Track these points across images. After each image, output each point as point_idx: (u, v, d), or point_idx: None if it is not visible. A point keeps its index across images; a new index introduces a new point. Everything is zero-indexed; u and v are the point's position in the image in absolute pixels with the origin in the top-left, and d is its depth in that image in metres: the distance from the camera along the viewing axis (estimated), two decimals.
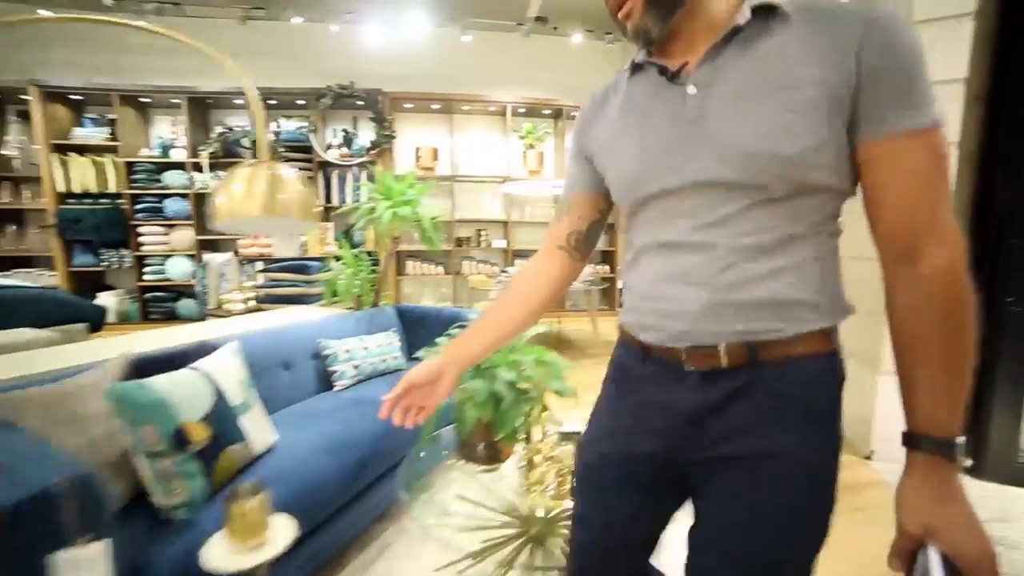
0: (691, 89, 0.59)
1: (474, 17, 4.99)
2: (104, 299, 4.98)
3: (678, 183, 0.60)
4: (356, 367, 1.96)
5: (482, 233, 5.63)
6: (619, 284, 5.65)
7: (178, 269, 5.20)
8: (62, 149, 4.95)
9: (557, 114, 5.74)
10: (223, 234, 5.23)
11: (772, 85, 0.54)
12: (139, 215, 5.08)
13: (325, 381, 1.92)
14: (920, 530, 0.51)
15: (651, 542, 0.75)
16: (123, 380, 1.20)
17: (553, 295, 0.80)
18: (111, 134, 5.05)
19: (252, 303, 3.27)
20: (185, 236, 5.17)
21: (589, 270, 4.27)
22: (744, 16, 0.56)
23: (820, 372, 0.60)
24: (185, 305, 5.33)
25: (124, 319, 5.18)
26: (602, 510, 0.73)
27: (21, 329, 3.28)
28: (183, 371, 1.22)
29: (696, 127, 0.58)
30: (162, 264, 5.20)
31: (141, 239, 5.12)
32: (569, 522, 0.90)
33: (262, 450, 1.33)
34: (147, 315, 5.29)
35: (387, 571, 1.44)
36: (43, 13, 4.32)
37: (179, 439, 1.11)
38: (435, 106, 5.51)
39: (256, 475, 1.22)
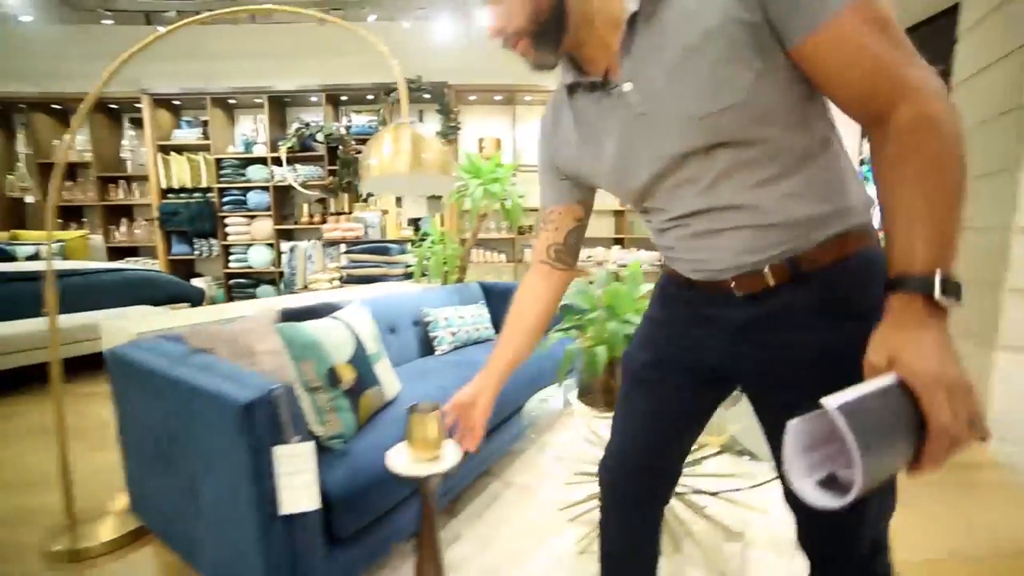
0: (627, 86, 0.61)
1: None
2: (195, 284, 5.46)
3: (660, 167, 0.63)
4: (454, 334, 2.06)
5: None
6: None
7: (258, 257, 5.60)
8: (164, 150, 5.47)
9: None
10: (297, 223, 5.60)
11: (690, 49, 0.55)
12: (225, 207, 5.52)
13: (426, 346, 2.04)
14: (884, 361, 0.48)
15: (689, 437, 0.82)
16: (276, 323, 1.34)
17: (548, 308, 0.87)
18: (203, 134, 5.52)
19: (337, 284, 3.48)
20: (265, 226, 5.56)
21: (653, 254, 4.21)
22: (632, 6, 0.57)
23: (860, 269, 0.62)
24: (264, 291, 5.72)
25: (212, 303, 5.64)
26: (646, 405, 0.80)
27: (140, 306, 3.67)
28: (327, 319, 1.35)
29: (649, 117, 0.61)
30: (244, 253, 5.62)
31: (227, 229, 5.56)
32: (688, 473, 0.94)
33: (392, 397, 1.44)
34: (231, 299, 5.73)
35: (497, 520, 1.52)
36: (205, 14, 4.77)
37: (332, 377, 1.23)
38: (497, 97, 5.61)
39: (391, 418, 1.33)
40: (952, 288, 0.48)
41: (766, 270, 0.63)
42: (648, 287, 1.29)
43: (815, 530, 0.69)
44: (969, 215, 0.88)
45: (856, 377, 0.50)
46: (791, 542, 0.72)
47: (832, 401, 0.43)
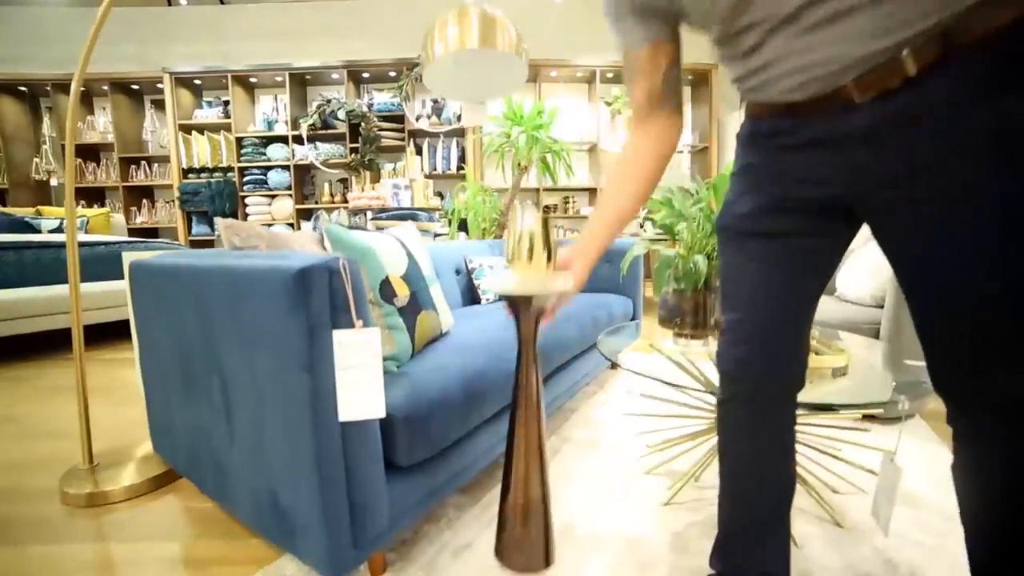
0: None
1: None
2: None
3: None
4: None
5: (569, 200, 5.49)
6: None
7: None
8: (186, 129, 5.41)
9: None
10: (318, 202, 5.49)
11: None
12: (246, 187, 5.44)
13: (471, 296, 1.86)
14: None
15: (812, 301, 0.66)
16: (321, 235, 1.18)
17: (664, 160, 0.71)
18: (224, 113, 5.44)
19: None
20: (285, 206, 5.46)
21: None
22: None
23: None
24: None
25: None
26: (758, 274, 0.65)
27: None
28: (379, 233, 1.18)
29: None
30: None
31: (248, 209, 5.48)
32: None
33: (447, 328, 1.27)
34: None
35: (564, 473, 1.34)
36: None
37: (385, 290, 1.05)
38: None
39: (449, 348, 1.16)
40: None
41: (905, 54, 0.46)
42: None
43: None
44: None
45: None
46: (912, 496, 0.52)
47: None
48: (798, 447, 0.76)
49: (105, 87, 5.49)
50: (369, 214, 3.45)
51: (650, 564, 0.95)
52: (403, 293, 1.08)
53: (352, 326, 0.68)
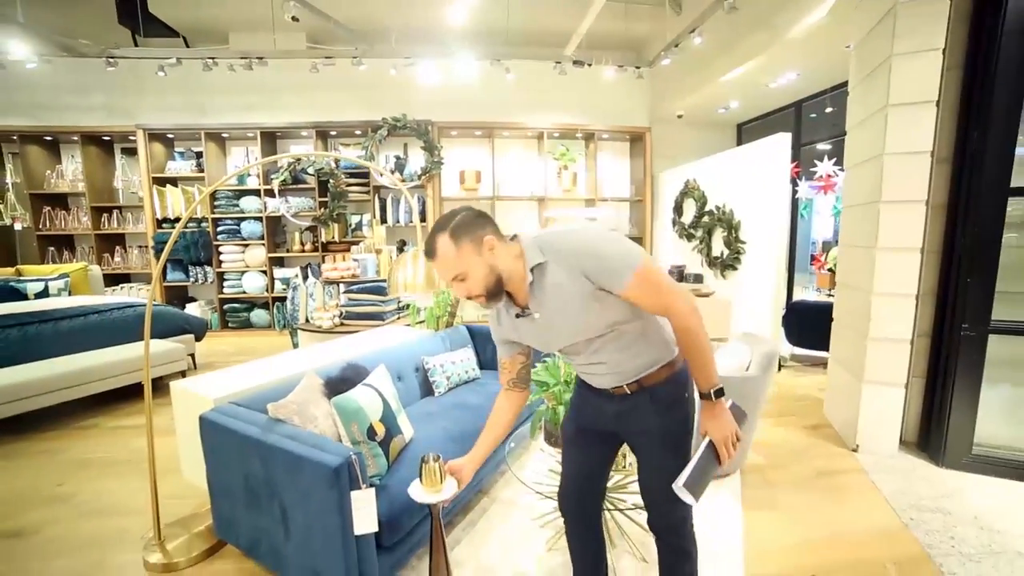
0: (536, 315, 1.13)
1: (517, 59, 5.54)
2: (190, 309, 5.75)
3: (560, 347, 1.21)
4: (448, 378, 2.56)
5: None
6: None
7: (252, 283, 5.93)
8: (159, 181, 5.73)
9: (589, 137, 6.26)
10: (289, 251, 5.94)
11: (562, 302, 1.08)
12: (220, 236, 5.82)
13: (427, 388, 2.53)
14: (703, 431, 1.13)
15: (605, 471, 1.43)
16: (324, 392, 1.81)
17: (512, 416, 1.37)
18: (197, 166, 5.80)
19: (337, 320, 3.91)
20: (258, 254, 5.89)
21: None
22: (529, 277, 1.08)
23: (672, 382, 1.20)
24: (258, 315, 6.06)
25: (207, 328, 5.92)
26: (577, 456, 1.38)
27: (152, 340, 4.01)
28: (363, 387, 1.83)
29: (548, 329, 1.15)
30: (239, 279, 5.94)
31: (223, 257, 5.87)
32: (619, 492, 1.49)
33: (409, 439, 1.93)
34: (226, 323, 6.04)
35: (488, 526, 2.03)
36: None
37: (371, 432, 1.71)
38: (478, 133, 6.10)
39: (411, 457, 1.82)
40: (719, 392, 1.11)
41: (624, 385, 1.20)
42: None
43: (660, 516, 1.29)
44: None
45: (677, 435, 1.21)
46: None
47: (680, 481, 1.07)
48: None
49: (75, 137, 5.71)
50: (342, 286, 4.03)
51: None
52: (381, 431, 1.74)
53: (360, 488, 1.34)
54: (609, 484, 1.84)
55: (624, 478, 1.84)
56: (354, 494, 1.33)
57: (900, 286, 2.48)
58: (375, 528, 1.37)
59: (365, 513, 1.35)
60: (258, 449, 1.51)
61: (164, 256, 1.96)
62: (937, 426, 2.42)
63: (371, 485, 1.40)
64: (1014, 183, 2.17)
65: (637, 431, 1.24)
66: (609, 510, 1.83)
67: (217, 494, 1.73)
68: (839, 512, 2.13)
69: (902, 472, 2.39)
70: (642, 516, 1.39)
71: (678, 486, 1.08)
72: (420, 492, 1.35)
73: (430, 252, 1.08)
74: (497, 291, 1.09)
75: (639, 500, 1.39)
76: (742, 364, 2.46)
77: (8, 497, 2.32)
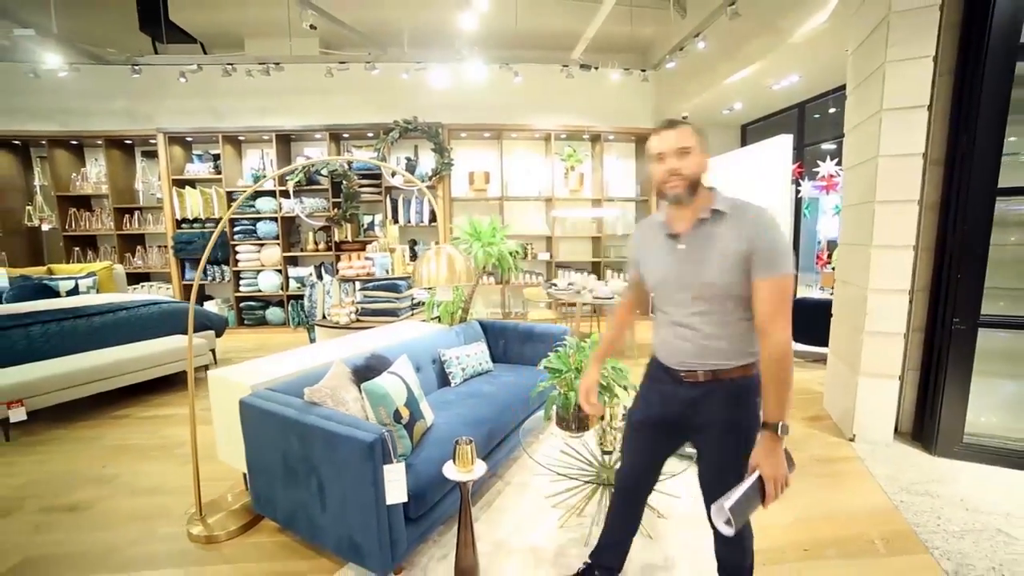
0: (681, 246, 1.27)
1: (525, 62, 5.68)
2: (207, 307, 5.94)
3: (675, 282, 1.29)
4: (463, 369, 2.71)
5: (528, 247, 6.33)
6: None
7: (268, 282, 6.11)
8: (178, 183, 5.93)
9: (595, 139, 6.39)
10: (303, 250, 6.12)
11: (712, 248, 1.21)
12: (237, 236, 6.01)
13: (443, 379, 2.68)
14: (755, 463, 1.15)
15: (662, 463, 1.50)
16: (352, 379, 1.96)
17: (628, 328, 1.58)
18: (215, 168, 6.00)
19: (353, 316, 4.07)
20: (273, 254, 6.08)
21: (624, 284, 4.90)
22: (706, 213, 1.23)
23: (744, 383, 1.27)
24: (273, 312, 6.25)
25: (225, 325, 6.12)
26: (640, 445, 1.47)
27: (175, 336, 4.20)
28: (388, 374, 1.98)
29: (684, 261, 1.26)
30: (255, 278, 6.13)
31: (239, 256, 6.06)
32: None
33: (430, 424, 2.08)
34: (242, 321, 6.23)
35: (503, 506, 2.17)
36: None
37: (397, 416, 1.86)
38: (487, 135, 6.24)
39: (433, 440, 1.97)
40: (785, 429, 1.13)
41: (699, 372, 1.28)
42: None
43: (723, 545, 1.38)
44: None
45: (740, 435, 1.24)
46: (694, 516, 1.40)
47: (726, 503, 1.08)
48: None
49: (99, 141, 5.93)
50: (357, 283, 4.19)
51: (544, 562, 1.80)
52: (406, 415, 1.89)
53: (392, 462, 1.48)
54: (615, 464, 1.98)
55: None
56: (387, 467, 1.48)
57: (895, 282, 2.60)
58: (404, 498, 1.52)
59: (396, 485, 1.50)
60: (296, 429, 1.66)
61: (205, 254, 2.11)
62: (930, 416, 2.53)
63: (399, 460, 1.55)
64: (1001, 183, 2.28)
65: (704, 423, 1.29)
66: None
67: (256, 472, 1.88)
68: (833, 495, 2.25)
69: (895, 460, 2.51)
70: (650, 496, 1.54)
71: (723, 507, 1.07)
72: (453, 471, 1.51)
73: (673, 123, 1.24)
74: (693, 186, 1.22)
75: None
76: None
77: (59, 477, 2.50)
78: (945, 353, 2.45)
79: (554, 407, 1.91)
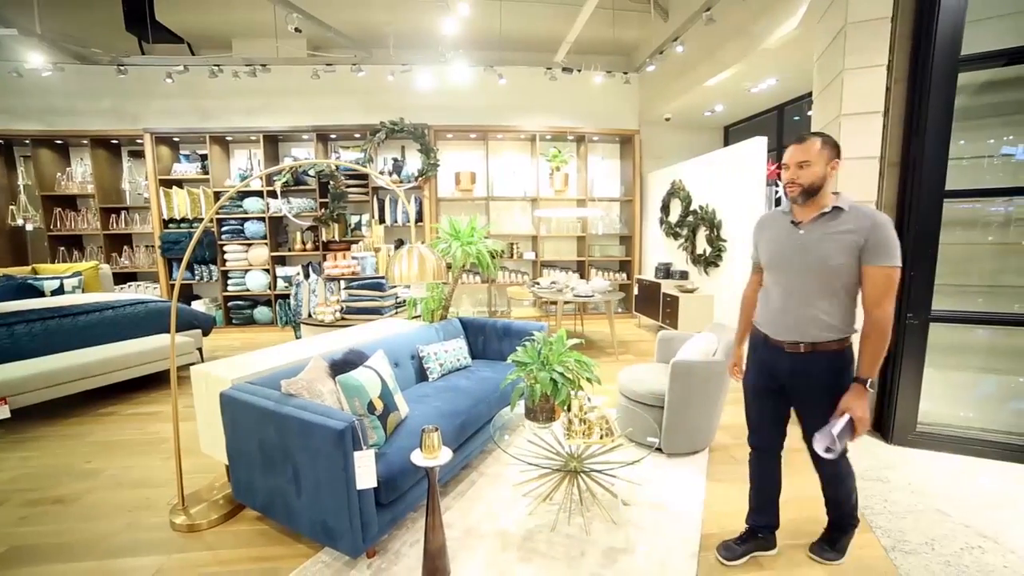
0: (801, 231, 1.53)
1: (509, 64, 5.77)
2: (195, 307, 5.97)
3: (791, 260, 1.54)
4: (441, 365, 2.79)
5: (514, 246, 6.43)
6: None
7: (255, 281, 6.15)
8: (165, 183, 5.95)
9: (580, 140, 6.49)
10: (291, 250, 6.17)
11: (828, 237, 1.47)
12: (224, 236, 6.05)
13: (421, 374, 2.76)
14: (845, 407, 1.44)
15: (783, 418, 1.75)
16: (329, 372, 2.04)
17: (755, 305, 1.77)
18: (202, 168, 6.03)
19: (338, 314, 4.14)
20: (261, 253, 6.12)
21: (606, 283, 5.00)
22: (827, 209, 1.49)
23: (842, 354, 1.54)
24: (261, 312, 6.29)
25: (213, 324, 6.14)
26: (760, 406, 1.76)
27: (162, 335, 4.24)
28: (364, 368, 2.06)
29: (800, 243, 1.52)
30: (242, 277, 6.17)
31: (226, 256, 6.09)
32: (591, 461, 1.73)
33: (404, 416, 2.16)
34: (230, 320, 6.27)
35: (475, 495, 2.26)
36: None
37: (370, 407, 1.95)
38: (473, 136, 6.33)
39: (406, 431, 2.05)
40: (873, 384, 1.47)
41: (801, 344, 1.52)
42: (572, 342, 2.07)
43: (828, 484, 1.71)
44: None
45: (834, 397, 1.50)
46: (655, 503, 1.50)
47: (834, 429, 1.44)
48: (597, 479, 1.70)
49: (84, 141, 5.93)
50: (342, 282, 4.26)
51: (511, 546, 1.89)
52: (379, 406, 1.97)
53: (362, 449, 1.57)
54: (582, 453, 2.08)
55: (601, 448, 2.08)
56: (356, 454, 1.57)
57: None
58: (374, 484, 1.61)
59: (366, 470, 1.58)
60: (273, 419, 1.74)
61: (188, 253, 2.18)
62: (887, 407, 2.66)
63: (373, 448, 1.63)
64: (949, 186, 2.41)
65: (807, 387, 1.56)
66: (581, 473, 2.07)
67: (235, 461, 1.96)
68: (790, 483, 2.33)
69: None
70: (611, 483, 1.63)
71: (829, 432, 1.41)
72: (420, 458, 1.59)
73: (802, 139, 1.48)
74: (810, 192, 1.48)
75: (610, 468, 1.61)
76: (710, 350, 2.70)
77: (46, 472, 2.55)
78: (900, 346, 2.57)
79: (520, 398, 2.00)
